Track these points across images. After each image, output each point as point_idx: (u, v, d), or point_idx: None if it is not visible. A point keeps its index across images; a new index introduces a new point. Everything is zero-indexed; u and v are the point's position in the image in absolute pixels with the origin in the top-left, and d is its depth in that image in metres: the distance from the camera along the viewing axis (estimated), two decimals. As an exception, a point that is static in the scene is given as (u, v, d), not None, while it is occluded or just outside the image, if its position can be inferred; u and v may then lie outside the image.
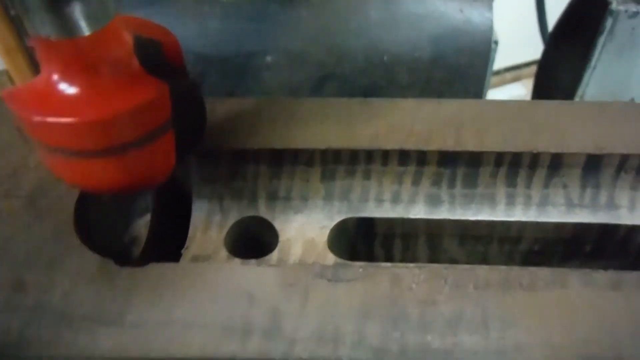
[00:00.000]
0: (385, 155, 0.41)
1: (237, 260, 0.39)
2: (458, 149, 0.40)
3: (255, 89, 0.60)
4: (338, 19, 0.59)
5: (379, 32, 0.58)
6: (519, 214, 0.41)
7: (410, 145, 0.40)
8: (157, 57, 0.34)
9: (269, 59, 0.59)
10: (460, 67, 0.58)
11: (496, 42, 0.59)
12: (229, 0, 0.60)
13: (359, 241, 0.44)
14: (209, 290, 0.33)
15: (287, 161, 0.41)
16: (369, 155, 0.41)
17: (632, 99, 0.78)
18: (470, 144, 0.40)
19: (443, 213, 0.41)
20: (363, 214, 0.42)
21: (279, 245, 0.40)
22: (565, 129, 0.41)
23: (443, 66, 0.59)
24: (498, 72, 2.92)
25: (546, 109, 0.42)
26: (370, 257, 0.45)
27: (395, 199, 0.42)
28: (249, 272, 0.33)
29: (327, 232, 0.41)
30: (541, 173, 0.41)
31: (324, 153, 0.41)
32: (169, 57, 0.35)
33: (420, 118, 0.42)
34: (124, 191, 0.35)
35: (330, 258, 0.39)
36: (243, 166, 0.42)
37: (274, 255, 0.39)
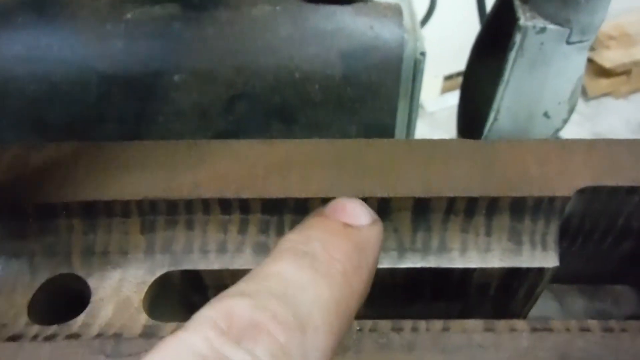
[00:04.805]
0: (206, 204, 0.38)
1: (35, 328, 0.36)
2: (282, 195, 0.38)
3: (164, 110, 0.57)
4: (246, 37, 0.57)
5: (289, 50, 0.56)
6: (351, 261, 0.39)
7: (232, 193, 0.38)
8: None
9: (177, 78, 0.56)
10: (371, 85, 0.57)
11: (423, 54, 0.58)
12: (133, 18, 0.57)
13: (191, 293, 0.41)
14: None
15: (101, 213, 0.39)
16: (189, 205, 0.38)
17: (546, 112, 0.78)
18: (295, 190, 0.38)
19: (271, 262, 0.39)
20: (187, 266, 0.39)
21: (90, 306, 0.37)
22: (394, 171, 0.39)
23: (354, 83, 0.57)
24: (450, 77, 2.95)
25: (376, 149, 0.40)
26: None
27: (221, 249, 0.39)
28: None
29: (145, 288, 0.38)
30: (371, 217, 0.39)
31: (140, 204, 0.38)
32: None
33: (247, 162, 0.40)
34: None
35: (142, 319, 0.36)
36: (54, 220, 0.38)
37: (80, 319, 0.36)
